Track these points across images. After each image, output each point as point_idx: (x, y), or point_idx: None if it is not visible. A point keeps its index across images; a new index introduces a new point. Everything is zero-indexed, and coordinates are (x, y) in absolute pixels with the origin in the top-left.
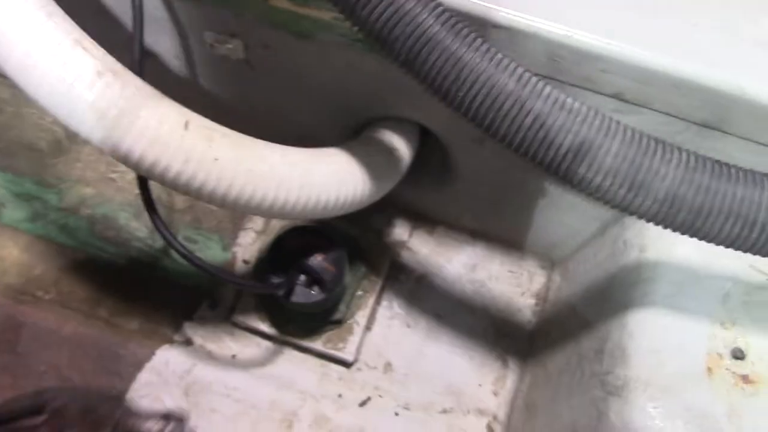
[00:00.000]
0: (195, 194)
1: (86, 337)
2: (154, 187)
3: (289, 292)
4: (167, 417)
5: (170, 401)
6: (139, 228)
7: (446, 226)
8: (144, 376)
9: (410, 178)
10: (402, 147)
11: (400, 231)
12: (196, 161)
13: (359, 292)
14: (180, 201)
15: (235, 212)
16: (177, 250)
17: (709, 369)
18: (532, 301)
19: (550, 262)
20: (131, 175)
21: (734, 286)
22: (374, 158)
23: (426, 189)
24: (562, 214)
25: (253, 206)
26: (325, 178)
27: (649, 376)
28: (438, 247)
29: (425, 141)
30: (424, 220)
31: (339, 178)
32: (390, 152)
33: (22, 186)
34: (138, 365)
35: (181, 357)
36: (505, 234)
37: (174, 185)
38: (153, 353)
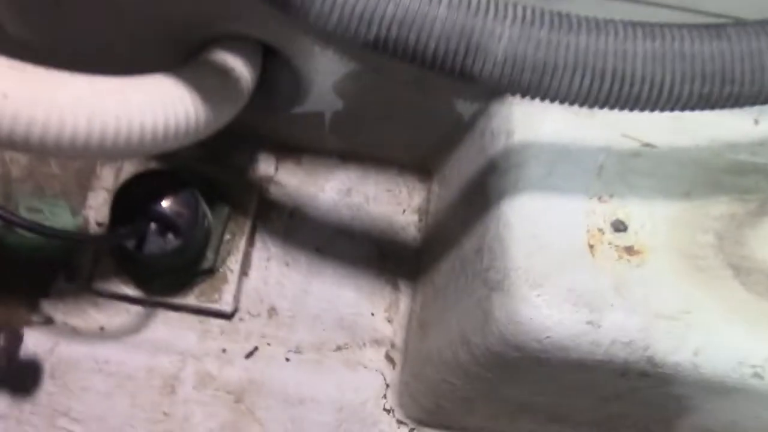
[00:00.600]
0: None
1: None
2: None
3: (142, 244)
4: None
5: (34, 387)
6: None
7: (313, 153)
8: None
9: (261, 103)
10: (239, 66)
11: (265, 165)
12: None
13: (227, 236)
14: (17, 169)
15: (49, 157)
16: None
17: (591, 246)
18: (414, 218)
19: (427, 172)
20: None
21: (608, 157)
22: (207, 81)
23: (281, 113)
24: (427, 116)
25: (66, 145)
26: (147, 105)
27: (529, 263)
28: (307, 176)
29: (269, 58)
30: (288, 150)
31: (164, 104)
32: (225, 73)
33: None
34: None
35: (41, 338)
36: (376, 151)
37: None
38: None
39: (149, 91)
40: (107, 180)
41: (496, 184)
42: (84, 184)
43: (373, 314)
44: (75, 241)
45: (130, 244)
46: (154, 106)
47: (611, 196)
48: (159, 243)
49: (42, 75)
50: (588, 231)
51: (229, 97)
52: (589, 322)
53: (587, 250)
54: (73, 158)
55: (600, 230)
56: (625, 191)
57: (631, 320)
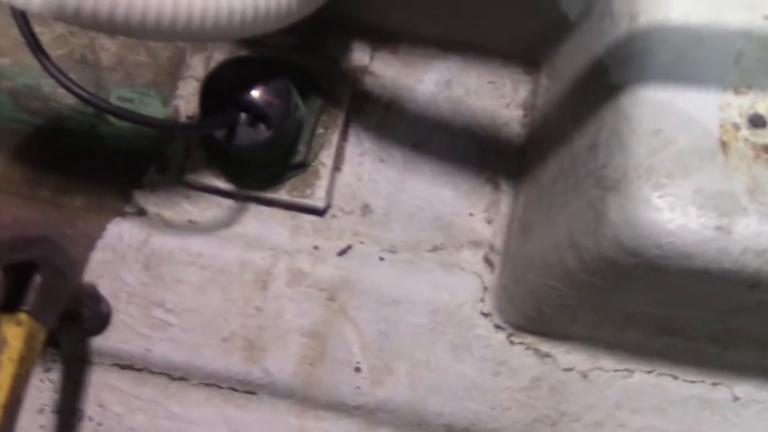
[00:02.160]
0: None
1: (29, 221)
2: (75, 45)
3: (232, 135)
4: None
5: (130, 277)
6: (67, 94)
7: (410, 42)
8: (98, 255)
9: None
10: None
11: (359, 54)
12: None
13: (320, 130)
14: (107, 57)
15: (136, 39)
16: (75, 93)
17: (724, 143)
18: (519, 112)
19: (534, 64)
20: (48, 36)
21: (747, 42)
22: None
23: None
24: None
25: (151, 26)
26: None
27: (651, 161)
28: (404, 67)
29: None
30: (384, 38)
31: None
32: None
33: None
34: (90, 244)
35: (135, 228)
36: (478, 38)
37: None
38: (104, 229)
39: None
40: (197, 69)
41: (615, 74)
42: (174, 73)
43: (471, 214)
44: (164, 130)
45: (220, 134)
46: None
47: (749, 87)
48: (249, 134)
49: None
50: (721, 126)
51: None
52: (717, 228)
53: (719, 148)
54: (159, 40)
55: (735, 126)
56: (765, 82)
57: (767, 227)
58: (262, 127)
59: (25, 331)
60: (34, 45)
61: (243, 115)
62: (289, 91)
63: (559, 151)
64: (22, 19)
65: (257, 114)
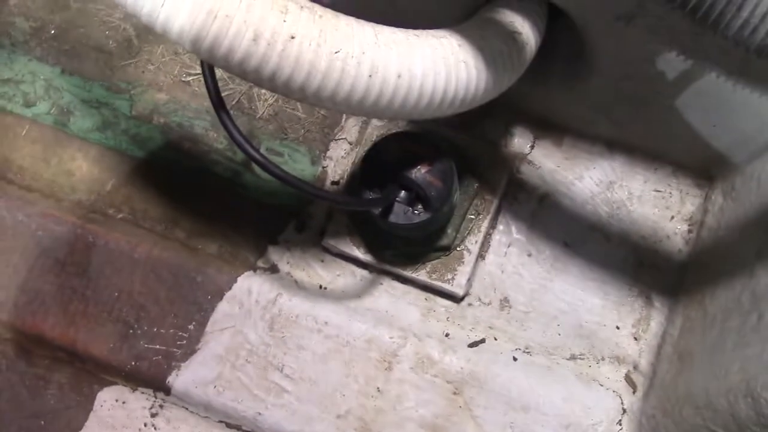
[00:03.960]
0: (267, 83)
1: (161, 260)
2: (234, 90)
3: (388, 210)
4: None
5: (253, 335)
6: (217, 138)
7: (576, 135)
8: (224, 306)
9: (533, 72)
10: (526, 30)
11: (520, 141)
12: (267, 40)
13: (471, 214)
14: (263, 107)
15: (318, 106)
16: (249, 155)
17: None
18: (683, 227)
19: (708, 178)
20: None
21: None
22: (492, 42)
23: (552, 86)
24: (730, 114)
25: (340, 99)
26: (431, 64)
27: None
28: (566, 160)
29: (553, 23)
30: (548, 127)
31: (448, 65)
32: (511, 36)
33: (91, 91)
34: (218, 294)
35: (265, 285)
36: (650, 143)
37: (241, 71)
38: (234, 280)
39: (434, 51)
40: (351, 132)
41: None
42: (327, 132)
43: (618, 327)
44: (332, 203)
45: (375, 210)
46: (437, 66)
47: None
48: (406, 213)
49: (330, 19)
50: None
51: (513, 63)
52: None
53: None
54: (341, 111)
55: None
56: None
57: None
58: (419, 207)
59: None
60: (215, 98)
61: (402, 193)
62: (452, 175)
63: (736, 283)
64: (208, 70)
65: (418, 194)
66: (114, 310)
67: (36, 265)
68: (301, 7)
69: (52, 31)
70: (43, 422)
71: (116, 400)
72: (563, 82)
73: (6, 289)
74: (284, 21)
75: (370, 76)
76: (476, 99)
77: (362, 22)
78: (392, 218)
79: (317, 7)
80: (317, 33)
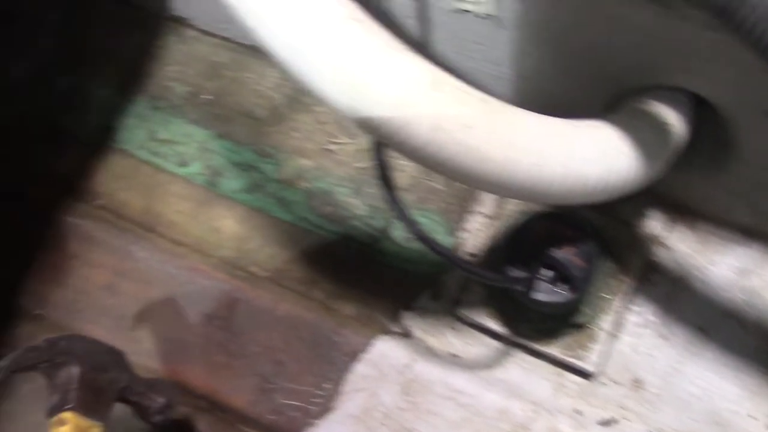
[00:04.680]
0: (439, 167)
1: (301, 319)
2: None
3: (530, 288)
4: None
5: (388, 398)
6: (358, 205)
7: (712, 221)
8: (360, 368)
9: (678, 161)
10: (677, 122)
11: (655, 223)
12: (445, 129)
13: (605, 293)
14: (403, 177)
15: (477, 189)
16: (414, 232)
17: None
18: None
19: None
20: (351, 147)
21: None
22: (645, 135)
23: (692, 172)
24: None
25: (505, 185)
26: (591, 154)
27: None
28: (700, 245)
29: (699, 115)
30: (683, 211)
31: (606, 155)
32: (664, 128)
33: (241, 155)
34: (353, 355)
35: (399, 350)
36: None
37: (416, 156)
38: (370, 343)
39: (594, 141)
40: (488, 206)
41: None
42: (464, 205)
43: (753, 418)
44: (473, 274)
45: (519, 286)
46: (597, 156)
47: None
48: (548, 291)
49: (501, 110)
50: None
51: (665, 154)
52: None
53: None
54: (501, 195)
55: None
56: None
57: None
58: (562, 286)
59: (71, 428)
60: (385, 179)
61: (545, 271)
62: (596, 256)
63: None
64: (377, 150)
65: (562, 274)
66: (255, 365)
67: (183, 316)
68: (478, 98)
69: (207, 97)
70: None
71: None
72: (703, 168)
73: (154, 338)
74: (463, 111)
75: (536, 164)
76: (630, 188)
77: (527, 112)
78: (536, 296)
79: (489, 98)
80: (491, 123)
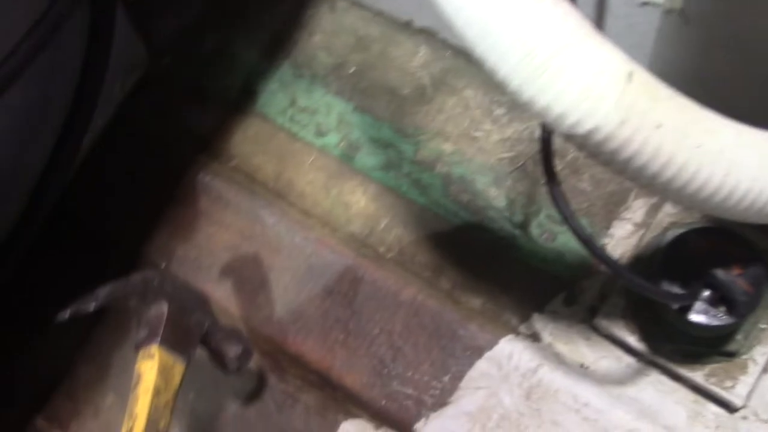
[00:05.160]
0: (616, 165)
1: (424, 307)
2: (520, 152)
3: (686, 307)
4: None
5: (508, 400)
6: (497, 197)
7: None
8: (482, 365)
9: None
10: None
11: None
12: (634, 125)
13: (763, 323)
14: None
15: (652, 193)
16: (576, 232)
17: None
18: None
19: None
20: (496, 136)
21: None
22: None
23: None
24: None
25: (688, 192)
26: None
27: None
28: None
29: None
30: None
31: None
32: None
33: (380, 131)
34: (476, 351)
35: (526, 353)
36: None
37: (595, 150)
38: (495, 341)
39: None
40: (638, 213)
41: None
42: (611, 209)
43: None
44: (627, 281)
45: (675, 304)
46: None
47: None
48: (706, 313)
49: (695, 111)
50: None
51: None
52: None
53: None
54: (675, 201)
55: None
56: None
57: None
58: (721, 309)
59: (157, 363)
60: (549, 169)
61: (707, 292)
62: (765, 282)
63: None
64: (546, 139)
65: (723, 295)
66: (372, 346)
67: (305, 288)
68: (671, 96)
69: (351, 69)
70: None
71: None
72: None
73: (274, 306)
74: (655, 108)
75: (725, 175)
76: None
77: (725, 119)
78: (693, 316)
79: (683, 98)
80: (683, 125)
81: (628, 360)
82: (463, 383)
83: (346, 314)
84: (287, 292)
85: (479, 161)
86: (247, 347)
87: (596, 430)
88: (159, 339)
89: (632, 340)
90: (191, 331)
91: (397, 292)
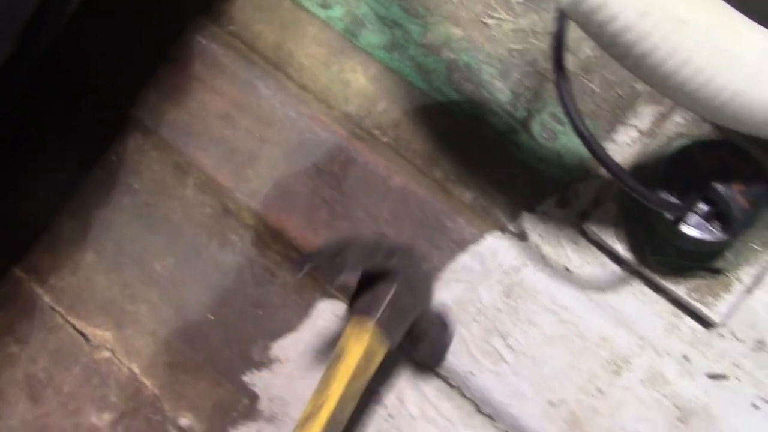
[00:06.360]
0: (631, 59)
1: (414, 194)
2: (532, 46)
3: (680, 219)
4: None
5: (487, 296)
6: (502, 89)
7: None
8: (465, 259)
9: None
10: None
11: None
12: (656, 17)
13: (754, 243)
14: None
15: (663, 94)
16: (576, 127)
17: None
18: None
19: None
20: (509, 26)
21: None
22: None
23: None
24: None
25: (703, 96)
26: None
27: None
28: None
29: None
30: None
31: None
32: None
33: (388, 9)
34: (461, 244)
35: (512, 251)
36: None
37: (610, 42)
38: (482, 236)
39: None
40: (645, 121)
41: None
42: (617, 114)
43: None
44: (622, 184)
45: (670, 213)
46: None
47: None
48: (700, 227)
49: (724, 13)
50: None
51: None
52: None
53: None
54: (687, 105)
55: None
56: None
57: None
58: (716, 225)
59: (367, 342)
60: (557, 58)
61: (703, 205)
62: (764, 201)
63: None
64: (560, 26)
65: (720, 210)
66: (357, 230)
67: (295, 164)
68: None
69: None
70: (261, 312)
71: (334, 314)
72: None
73: (262, 180)
74: (679, 3)
75: (748, 81)
76: None
77: (752, 22)
78: (685, 229)
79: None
80: (708, 23)
81: (613, 268)
82: (445, 275)
83: (333, 195)
84: (276, 166)
85: (488, 50)
86: (450, 332)
87: (571, 334)
88: (378, 316)
89: (620, 248)
90: (406, 318)
91: (388, 177)
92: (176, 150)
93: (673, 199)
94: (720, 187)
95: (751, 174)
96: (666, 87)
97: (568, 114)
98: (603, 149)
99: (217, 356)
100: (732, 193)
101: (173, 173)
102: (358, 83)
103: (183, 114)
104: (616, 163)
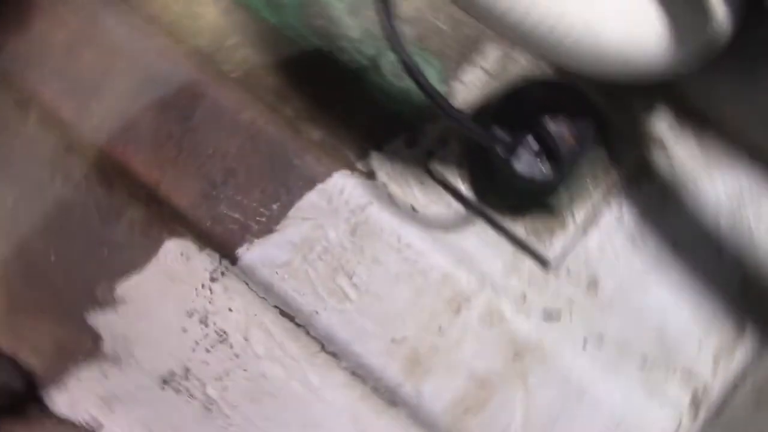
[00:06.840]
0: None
1: (263, 132)
2: None
3: (512, 154)
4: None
5: (333, 234)
6: (351, 26)
7: (722, 136)
8: (313, 197)
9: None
10: (721, 11)
11: (662, 124)
12: None
13: (588, 182)
14: (408, 7)
15: (479, 21)
16: (405, 63)
17: None
18: None
19: None
20: None
21: None
22: (680, 11)
23: (721, 81)
24: None
25: (509, 22)
26: (613, 10)
27: None
28: (703, 158)
29: (752, 12)
30: (695, 118)
31: (630, 19)
32: (705, 11)
33: None
34: (309, 182)
35: (358, 189)
36: None
37: None
38: (329, 175)
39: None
40: (491, 61)
41: None
42: (465, 54)
43: (699, 343)
44: (445, 114)
45: (501, 150)
46: (618, 18)
47: None
48: (530, 164)
49: None
50: None
51: (697, 41)
52: None
53: None
54: (504, 36)
55: None
56: None
57: None
58: (546, 162)
59: None
60: (386, 11)
61: (533, 141)
62: (591, 139)
63: None
64: None
65: (548, 146)
66: (204, 167)
67: (141, 98)
68: None
69: None
70: (107, 252)
71: (181, 254)
72: (736, 77)
73: (106, 114)
74: None
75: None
76: (648, 69)
77: None
78: (516, 164)
79: None
80: None
81: (457, 207)
82: (291, 213)
83: (180, 131)
84: (121, 100)
85: None
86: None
87: (414, 271)
88: None
89: (463, 187)
90: None
91: (237, 113)
92: (16, 83)
93: (504, 135)
94: (549, 124)
95: (578, 111)
96: (479, 12)
97: (396, 50)
98: (423, 75)
99: (60, 297)
100: (560, 129)
101: (14, 107)
102: (210, 16)
103: (23, 44)
104: (438, 91)
